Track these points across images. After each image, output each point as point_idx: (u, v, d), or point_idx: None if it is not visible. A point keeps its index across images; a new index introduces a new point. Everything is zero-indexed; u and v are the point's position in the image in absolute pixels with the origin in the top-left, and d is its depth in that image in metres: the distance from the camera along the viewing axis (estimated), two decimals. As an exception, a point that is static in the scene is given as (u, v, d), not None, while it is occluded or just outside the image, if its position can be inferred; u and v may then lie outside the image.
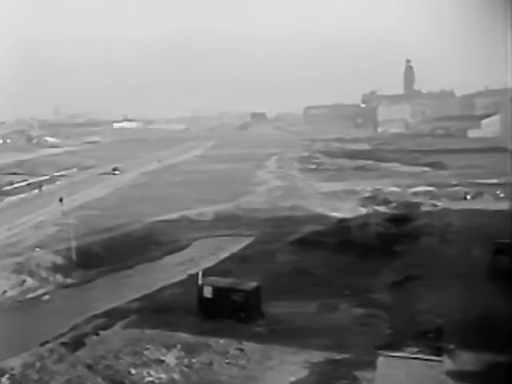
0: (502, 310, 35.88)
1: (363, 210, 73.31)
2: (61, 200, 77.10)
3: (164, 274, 50.24)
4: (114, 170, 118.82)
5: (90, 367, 31.12)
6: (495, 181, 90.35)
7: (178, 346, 32.57)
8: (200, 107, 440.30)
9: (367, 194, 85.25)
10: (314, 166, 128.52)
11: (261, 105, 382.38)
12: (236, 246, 58.08)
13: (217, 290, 37.48)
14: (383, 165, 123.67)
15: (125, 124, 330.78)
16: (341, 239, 55.14)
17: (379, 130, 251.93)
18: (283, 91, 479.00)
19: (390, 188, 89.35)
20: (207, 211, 74.81)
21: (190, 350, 32.34)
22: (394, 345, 31.48)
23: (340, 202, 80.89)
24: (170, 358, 31.49)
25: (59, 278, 49.89)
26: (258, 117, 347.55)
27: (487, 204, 71.98)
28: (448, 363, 28.68)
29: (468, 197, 77.77)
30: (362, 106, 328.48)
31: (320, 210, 74.34)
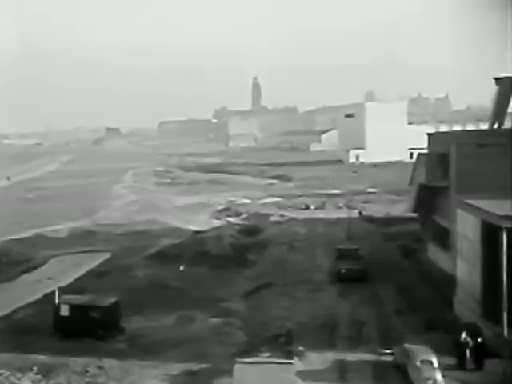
0: (345, 312, 37.71)
1: (217, 222, 73.90)
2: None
3: (19, 293, 47.63)
4: None
5: None
6: (336, 191, 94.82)
7: (34, 369, 30.98)
8: (54, 121, 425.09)
9: (220, 207, 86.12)
10: (169, 180, 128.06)
11: (115, 119, 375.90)
12: (93, 262, 56.35)
13: (74, 308, 36.09)
14: (234, 178, 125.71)
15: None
16: (196, 251, 55.24)
17: (230, 144, 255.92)
18: (138, 106, 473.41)
19: (242, 200, 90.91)
20: (62, 228, 72.17)
21: (46, 371, 30.83)
22: (249, 351, 32.02)
23: (195, 214, 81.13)
24: (25, 382, 29.86)
25: None
26: (113, 132, 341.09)
27: (329, 213, 75.29)
28: (298, 364, 29.59)
29: (312, 207, 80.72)
30: (214, 121, 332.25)
31: (176, 223, 74.05)
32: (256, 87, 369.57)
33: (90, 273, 51.82)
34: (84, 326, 35.10)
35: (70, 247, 63.11)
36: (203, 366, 30.91)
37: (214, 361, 31.34)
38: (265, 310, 39.52)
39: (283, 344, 32.64)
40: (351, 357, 30.80)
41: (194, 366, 30.93)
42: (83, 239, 66.55)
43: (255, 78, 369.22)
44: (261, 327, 36.26)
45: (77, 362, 31.87)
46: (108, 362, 31.78)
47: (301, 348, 31.56)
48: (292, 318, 36.69)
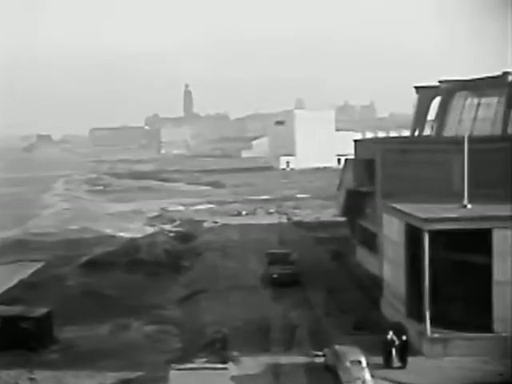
0: (278, 316, 38.00)
1: (150, 229, 73.13)
2: None
3: None
4: None
5: None
6: (266, 197, 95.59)
7: (-35, 384, 29.87)
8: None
9: (153, 214, 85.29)
10: (101, 188, 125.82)
11: (46, 126, 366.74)
12: (25, 271, 54.72)
13: (4, 320, 34.95)
14: (168, 185, 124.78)
15: None
16: (130, 259, 54.51)
17: (163, 151, 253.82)
18: (69, 112, 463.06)
19: (175, 207, 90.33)
20: (-8, 238, 69.80)
21: (-23, 385, 29.81)
22: (184, 358, 31.87)
23: (128, 222, 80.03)
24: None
25: None
26: (44, 139, 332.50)
27: (261, 219, 75.77)
28: (233, 369, 29.67)
29: (243, 213, 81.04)
30: (146, 128, 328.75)
31: (109, 230, 72.87)
32: (188, 94, 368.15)
33: (21, 283, 50.25)
34: (15, 338, 34.03)
35: (0, 257, 61.11)
36: (138, 374, 30.51)
37: (149, 369, 30.98)
38: (200, 315, 39.39)
39: (218, 349, 32.58)
40: (284, 360, 31.04)
41: (129, 375, 30.48)
42: (14, 248, 64.52)
43: (187, 86, 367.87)
44: (196, 333, 36.12)
45: (9, 374, 30.90)
46: (40, 374, 30.93)
47: (235, 353, 31.60)
48: (226, 323, 36.70)
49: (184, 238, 66.10)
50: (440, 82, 51.98)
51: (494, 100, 47.16)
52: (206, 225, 73.65)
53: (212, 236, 65.77)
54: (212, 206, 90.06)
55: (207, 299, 42.64)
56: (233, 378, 28.39)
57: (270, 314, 38.51)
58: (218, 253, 57.17)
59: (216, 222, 74.63)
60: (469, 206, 33.13)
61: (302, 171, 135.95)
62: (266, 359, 31.23)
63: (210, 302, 41.97)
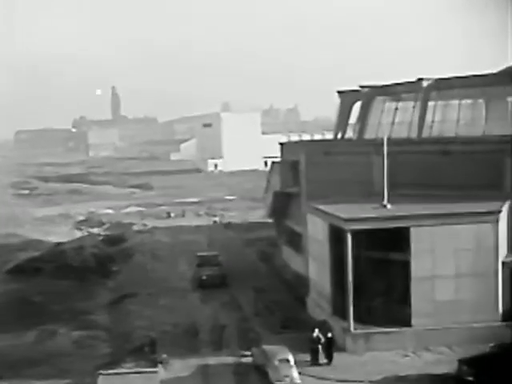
0: (207, 318, 37.79)
1: (78, 233, 71.27)
2: None
3: None
4: None
5: None
6: (195, 199, 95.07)
7: None
8: None
9: (81, 217, 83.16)
10: (27, 192, 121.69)
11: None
12: None
13: None
14: (96, 188, 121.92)
15: None
16: (58, 264, 52.83)
17: (91, 153, 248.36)
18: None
19: (104, 210, 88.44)
20: None
21: None
22: (113, 363, 31.16)
23: (55, 226, 77.59)
24: None
25: None
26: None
27: (189, 221, 75.26)
28: (162, 372, 29.23)
29: (172, 215, 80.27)
30: (73, 130, 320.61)
31: (36, 235, 70.39)
32: (115, 97, 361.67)
33: None
34: None
35: None
36: (66, 381, 29.61)
37: (77, 375, 30.13)
38: (129, 320, 38.66)
39: (147, 353, 32.04)
40: (213, 361, 30.92)
41: (57, 383, 29.54)
42: None
43: (114, 88, 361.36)
44: (125, 338, 35.42)
45: None
46: (-36, 385, 29.56)
47: (165, 356, 31.16)
48: (156, 327, 36.18)
49: (113, 241, 64.70)
50: (360, 86, 52.95)
51: (410, 104, 48.46)
52: (135, 228, 72.42)
53: (141, 239, 64.77)
54: (141, 208, 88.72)
55: (136, 303, 41.92)
56: (162, 381, 27.95)
57: (199, 315, 38.27)
58: (147, 256, 56.37)
59: (145, 225, 73.55)
60: (388, 206, 33.89)
61: (230, 173, 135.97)
62: (195, 361, 31.04)
63: (139, 305, 41.28)
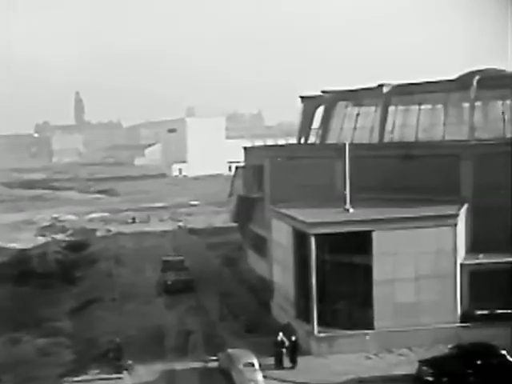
0: (172, 323, 37.55)
1: (42, 240, 70.10)
2: None
3: None
4: None
5: None
6: (160, 204, 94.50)
7: None
8: None
9: (45, 223, 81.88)
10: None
11: None
12: None
13: None
14: (60, 194, 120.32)
15: None
16: (21, 270, 52.02)
17: (54, 159, 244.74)
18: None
19: (67, 216, 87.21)
20: None
21: None
22: (78, 370, 30.73)
23: (18, 232, 76.28)
24: None
25: None
26: None
27: (154, 226, 74.75)
28: (127, 378, 28.93)
29: (137, 220, 79.59)
30: (36, 135, 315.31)
31: (-1, 242, 69.13)
32: (78, 102, 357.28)
33: None
34: None
35: None
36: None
37: (41, 383, 29.60)
38: (93, 326, 38.17)
39: (112, 359, 31.65)
40: (179, 366, 30.74)
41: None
42: None
43: (77, 93, 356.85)
44: (89, 344, 34.97)
45: None
46: None
47: (130, 362, 30.85)
48: (121, 333, 35.75)
49: (77, 247, 63.92)
50: (323, 92, 53.33)
51: (371, 110, 49.01)
52: (99, 233, 71.67)
53: (106, 244, 64.09)
54: (105, 214, 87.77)
55: (101, 309, 41.42)
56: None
57: (164, 321, 38.00)
58: (111, 261, 55.79)
59: (109, 230, 72.81)
60: (351, 210, 34.19)
61: (195, 178, 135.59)
62: (160, 366, 30.83)
63: (103, 311, 40.80)
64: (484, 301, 32.40)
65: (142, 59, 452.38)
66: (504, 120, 43.28)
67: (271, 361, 29.95)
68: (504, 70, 49.23)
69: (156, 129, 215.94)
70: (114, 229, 73.81)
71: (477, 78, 43.28)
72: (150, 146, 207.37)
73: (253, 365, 28.06)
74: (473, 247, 34.64)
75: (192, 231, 69.66)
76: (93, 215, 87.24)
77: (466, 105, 44.31)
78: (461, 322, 31.97)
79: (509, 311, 32.29)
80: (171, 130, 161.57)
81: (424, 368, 27.43)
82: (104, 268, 53.68)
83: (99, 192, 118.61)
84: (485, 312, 32.21)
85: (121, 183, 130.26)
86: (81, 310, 42.25)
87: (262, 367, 28.42)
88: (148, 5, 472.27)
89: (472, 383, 27.06)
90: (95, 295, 44.74)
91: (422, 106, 46.87)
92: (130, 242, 64.57)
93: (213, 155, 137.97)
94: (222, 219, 71.03)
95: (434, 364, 27.49)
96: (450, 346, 29.06)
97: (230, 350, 29.76)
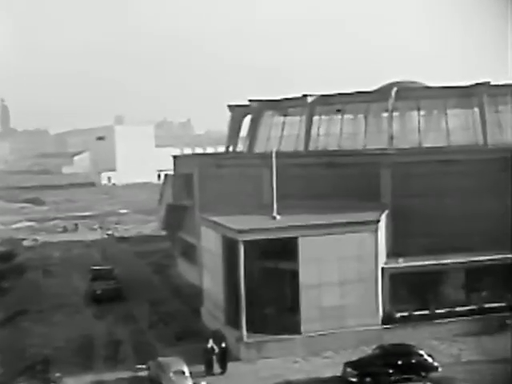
0: (102, 333, 36.71)
1: (-34, 250, 67.02)
2: None
3: None
4: None
5: None
6: (88, 213, 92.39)
7: None
8: None
9: (-32, 234, 78.44)
10: None
11: None
12: None
13: None
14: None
15: None
16: None
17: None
18: None
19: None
20: None
21: None
22: (5, 383, 29.54)
23: None
24: None
25: None
26: None
27: (83, 235, 73.00)
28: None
29: (66, 229, 77.49)
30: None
31: None
32: (4, 109, 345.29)
33: None
34: None
35: None
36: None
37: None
38: (20, 338, 36.79)
39: (40, 372, 30.65)
40: (108, 376, 30.02)
41: None
42: None
43: (2, 100, 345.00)
44: (16, 356, 33.63)
45: None
46: None
47: (58, 374, 29.93)
48: (49, 344, 34.72)
49: (3, 257, 61.46)
50: (250, 101, 53.68)
51: (296, 119, 49.71)
52: (26, 243, 69.30)
53: (33, 254, 62.11)
54: (32, 223, 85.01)
55: (28, 320, 40.04)
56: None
57: (93, 331, 37.12)
58: (39, 271, 54.10)
59: (36, 240, 70.54)
60: (278, 217, 34.46)
61: (124, 186, 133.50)
62: (89, 378, 30.03)
63: (31, 323, 39.45)
64: (404, 303, 33.48)
65: (71, 65, 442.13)
66: (419, 130, 44.89)
67: (202, 368, 29.77)
68: (420, 83, 51.17)
69: (84, 136, 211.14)
70: (41, 238, 71.59)
71: (395, 89, 44.70)
72: (78, 153, 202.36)
73: (183, 372, 27.78)
74: (393, 251, 35.65)
75: (121, 240, 68.46)
76: (19, 225, 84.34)
77: (385, 115, 45.66)
78: (382, 324, 32.80)
79: (426, 312, 33.50)
80: (100, 138, 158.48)
81: (349, 369, 27.97)
82: (32, 278, 51.99)
83: (26, 201, 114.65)
84: (405, 314, 33.23)
85: (48, 192, 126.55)
86: (8, 321, 40.62)
87: (193, 374, 28.18)
88: (82, 9, 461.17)
89: (393, 382, 27.82)
90: (22, 306, 43.20)
91: (345, 116, 47.96)
92: (58, 252, 62.86)
93: (142, 163, 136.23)
94: (152, 227, 70.23)
95: (358, 365, 28.08)
96: (373, 348, 29.76)
97: (160, 358, 29.33)
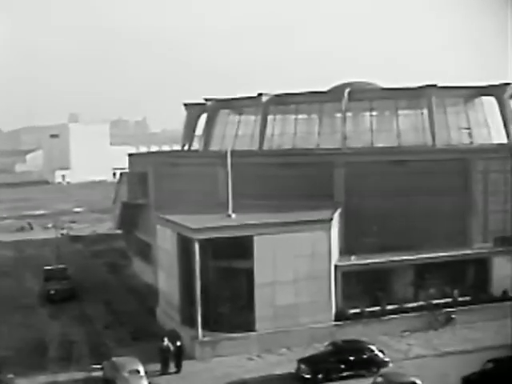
0: (56, 333, 36.04)
1: None
2: None
3: None
4: None
5: None
6: (42, 212, 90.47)
7: None
8: None
9: None
10: None
11: None
12: None
13: None
14: None
15: None
16: None
17: None
18: None
19: None
20: None
21: None
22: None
23: None
24: None
25: None
26: None
27: (36, 234, 71.48)
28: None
29: (19, 228, 75.69)
30: None
31: None
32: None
33: None
34: None
35: None
36: None
37: None
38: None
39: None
40: (62, 377, 29.55)
41: None
42: None
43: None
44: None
45: None
46: None
47: (11, 375, 29.22)
48: (1, 345, 33.85)
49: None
50: (205, 99, 53.50)
51: (251, 118, 49.81)
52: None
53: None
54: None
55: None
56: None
57: (47, 331, 36.42)
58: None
59: (-12, 240, 68.62)
60: (233, 216, 34.45)
61: (78, 185, 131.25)
62: (43, 378, 29.51)
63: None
64: (355, 300, 33.97)
65: (24, 62, 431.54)
66: (372, 130, 45.58)
67: (158, 367, 29.55)
68: (373, 84, 51.92)
69: (38, 134, 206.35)
70: (-7, 237, 69.73)
71: (348, 90, 45.25)
72: (31, 151, 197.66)
73: (138, 372, 27.55)
74: (346, 249, 36.09)
75: (76, 239, 67.27)
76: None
77: (339, 115, 46.19)
78: (335, 321, 33.18)
79: (377, 309, 34.06)
80: (54, 136, 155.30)
81: (302, 366, 28.21)
82: (-18, 279, 50.55)
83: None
84: (357, 310, 33.71)
85: (1, 190, 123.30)
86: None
87: (148, 373, 27.97)
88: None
89: (346, 378, 28.20)
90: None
91: (299, 116, 48.29)
92: (12, 251, 61.40)
93: (97, 161, 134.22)
94: (107, 226, 69.26)
95: (311, 362, 28.36)
96: (325, 344, 30.08)
97: (114, 358, 29.01)
